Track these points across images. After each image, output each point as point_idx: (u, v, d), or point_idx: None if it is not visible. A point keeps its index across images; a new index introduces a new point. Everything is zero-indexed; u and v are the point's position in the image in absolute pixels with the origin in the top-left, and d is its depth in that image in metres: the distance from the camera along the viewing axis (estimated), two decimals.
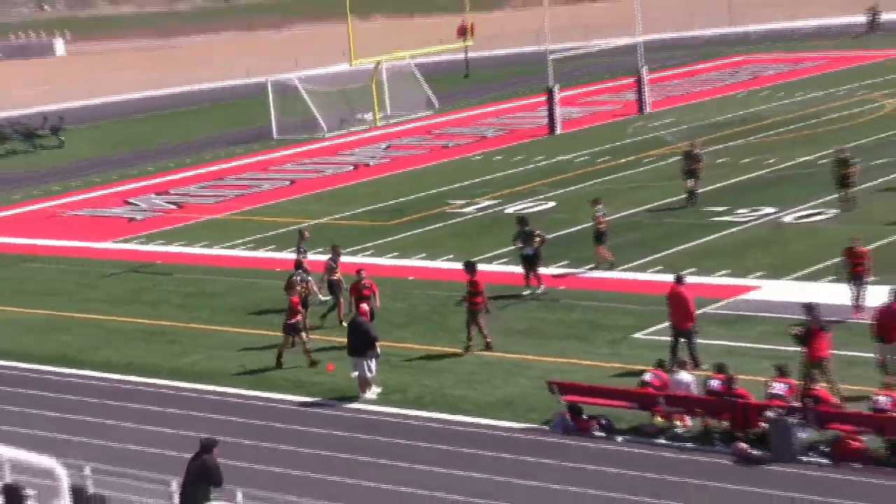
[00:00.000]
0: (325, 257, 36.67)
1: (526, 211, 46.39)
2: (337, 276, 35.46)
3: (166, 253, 46.55)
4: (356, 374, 29.78)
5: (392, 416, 28.54)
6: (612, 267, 38.30)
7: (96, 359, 34.49)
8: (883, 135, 55.29)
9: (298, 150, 68.05)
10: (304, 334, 32.26)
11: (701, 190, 45.81)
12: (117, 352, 34.97)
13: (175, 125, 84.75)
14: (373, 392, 29.68)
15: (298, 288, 33.55)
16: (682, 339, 29.33)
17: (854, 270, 31.42)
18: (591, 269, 38.56)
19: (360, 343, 29.57)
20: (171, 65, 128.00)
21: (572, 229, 42.65)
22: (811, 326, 26.86)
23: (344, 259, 36.94)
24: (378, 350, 29.82)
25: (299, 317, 32.44)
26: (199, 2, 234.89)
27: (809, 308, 27.19)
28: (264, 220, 50.25)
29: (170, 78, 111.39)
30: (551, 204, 47.98)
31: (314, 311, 35.08)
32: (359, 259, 40.44)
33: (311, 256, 38.15)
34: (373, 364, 29.68)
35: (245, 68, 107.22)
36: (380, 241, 44.68)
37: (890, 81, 70.81)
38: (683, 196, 45.68)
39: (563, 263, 39.08)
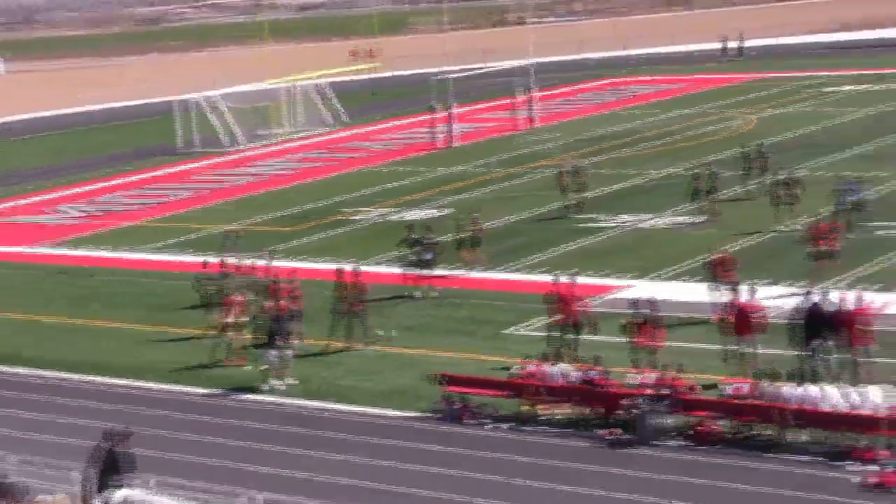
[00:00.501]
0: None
1: (424, 217, 46.38)
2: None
3: (87, 257, 45.93)
4: (266, 366, 29.69)
5: (295, 406, 28.32)
6: (479, 268, 38.39)
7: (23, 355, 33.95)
8: (743, 148, 55.64)
9: (214, 161, 67.54)
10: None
11: (580, 197, 45.95)
12: (38, 348, 34.43)
13: (97, 139, 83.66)
14: (284, 382, 29.43)
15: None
16: (568, 335, 29.36)
17: (724, 274, 31.38)
18: (470, 270, 38.51)
19: (277, 335, 29.50)
20: (97, 83, 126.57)
21: (462, 235, 42.51)
22: (644, 319, 27.67)
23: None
24: (294, 343, 29.84)
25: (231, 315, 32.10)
26: (131, 25, 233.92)
27: (640, 302, 28.15)
28: (181, 227, 49.77)
29: (103, 95, 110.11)
30: (447, 211, 47.90)
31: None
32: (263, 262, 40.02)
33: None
34: (287, 354, 29.62)
35: (167, 86, 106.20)
36: (286, 245, 44.44)
37: (752, 100, 71.50)
38: (565, 204, 45.74)
39: (453, 266, 38.98)
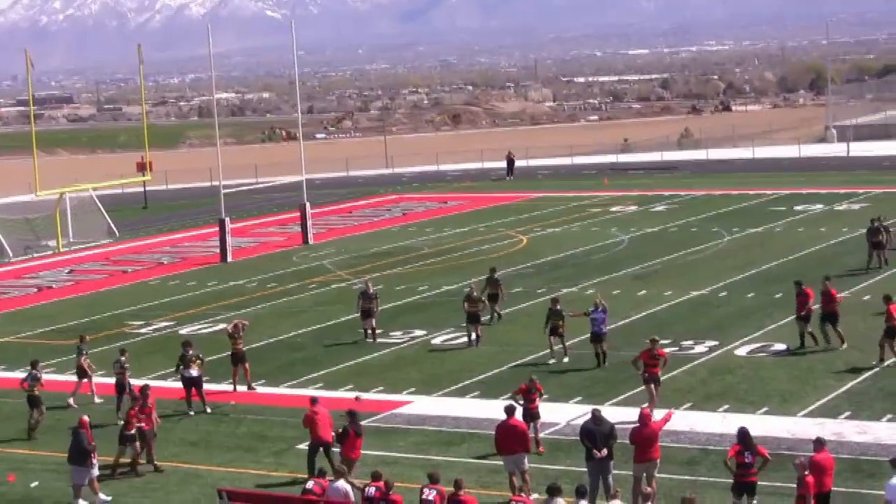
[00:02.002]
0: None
1: (199, 332, 45.80)
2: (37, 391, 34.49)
3: None
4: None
5: None
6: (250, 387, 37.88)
7: None
8: (519, 266, 56.67)
9: None
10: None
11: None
12: None
13: None
14: (100, 499, 28.67)
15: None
16: (323, 451, 29.23)
17: (530, 407, 31.10)
18: (247, 387, 38.05)
19: (80, 453, 28.69)
20: None
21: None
22: (349, 429, 27.99)
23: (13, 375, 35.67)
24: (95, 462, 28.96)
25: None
26: None
27: (350, 414, 28.37)
28: None
29: None
30: (221, 326, 47.38)
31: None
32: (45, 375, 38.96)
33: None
34: (88, 474, 28.72)
35: None
36: (61, 359, 43.23)
37: (524, 220, 72.76)
38: (350, 317, 45.55)
39: (229, 381, 38.49)
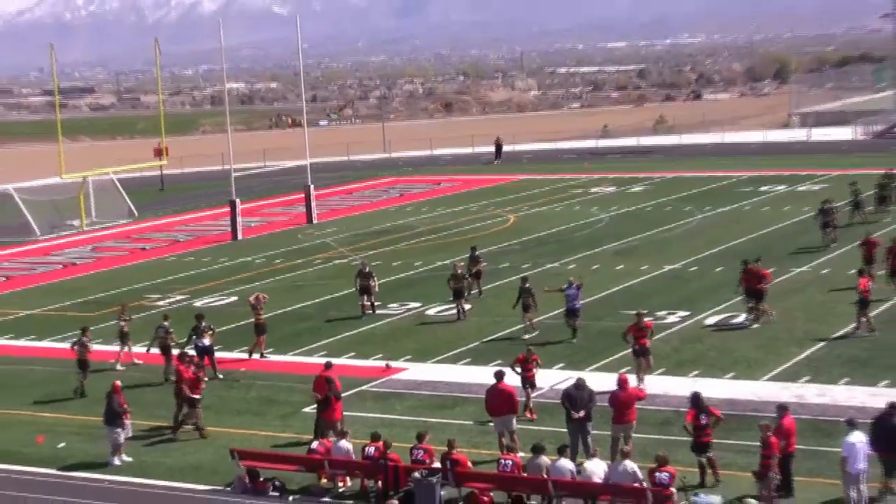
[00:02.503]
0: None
1: (211, 304, 45.86)
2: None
3: None
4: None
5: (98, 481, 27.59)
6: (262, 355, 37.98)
7: None
8: (506, 243, 56.71)
9: (14, 250, 65.70)
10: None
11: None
12: None
13: None
14: (122, 459, 28.65)
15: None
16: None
17: (527, 376, 31.23)
18: (260, 355, 38.13)
19: (111, 414, 28.82)
20: None
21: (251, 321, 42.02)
22: (330, 395, 28.34)
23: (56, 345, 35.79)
24: (127, 423, 29.07)
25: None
26: None
27: (327, 380, 28.66)
28: None
29: None
30: (233, 298, 47.44)
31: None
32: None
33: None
34: (121, 434, 28.79)
35: None
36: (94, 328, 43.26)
37: (511, 200, 72.74)
38: (349, 292, 45.54)
39: (242, 349, 38.60)
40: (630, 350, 32.97)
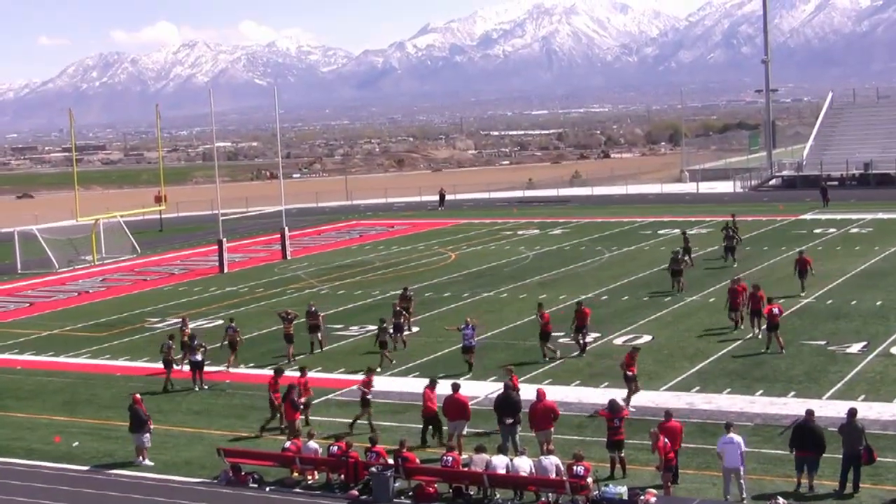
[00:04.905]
0: None
1: (202, 326, 45.42)
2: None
3: None
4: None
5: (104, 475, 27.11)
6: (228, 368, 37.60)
7: None
8: (448, 276, 56.63)
9: (37, 280, 64.88)
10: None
11: (327, 313, 45.56)
12: None
13: None
14: (146, 460, 27.99)
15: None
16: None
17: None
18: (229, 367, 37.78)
19: (138, 422, 28.09)
20: None
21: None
22: (288, 399, 28.47)
23: (71, 360, 35.19)
24: (150, 428, 28.29)
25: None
26: None
27: (290, 387, 28.66)
28: (11, 332, 47.57)
29: None
30: (219, 321, 46.99)
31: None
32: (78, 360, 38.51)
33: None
34: (148, 439, 28.11)
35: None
36: (95, 347, 42.82)
37: (453, 240, 72.68)
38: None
39: (224, 364, 38.23)
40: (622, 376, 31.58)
